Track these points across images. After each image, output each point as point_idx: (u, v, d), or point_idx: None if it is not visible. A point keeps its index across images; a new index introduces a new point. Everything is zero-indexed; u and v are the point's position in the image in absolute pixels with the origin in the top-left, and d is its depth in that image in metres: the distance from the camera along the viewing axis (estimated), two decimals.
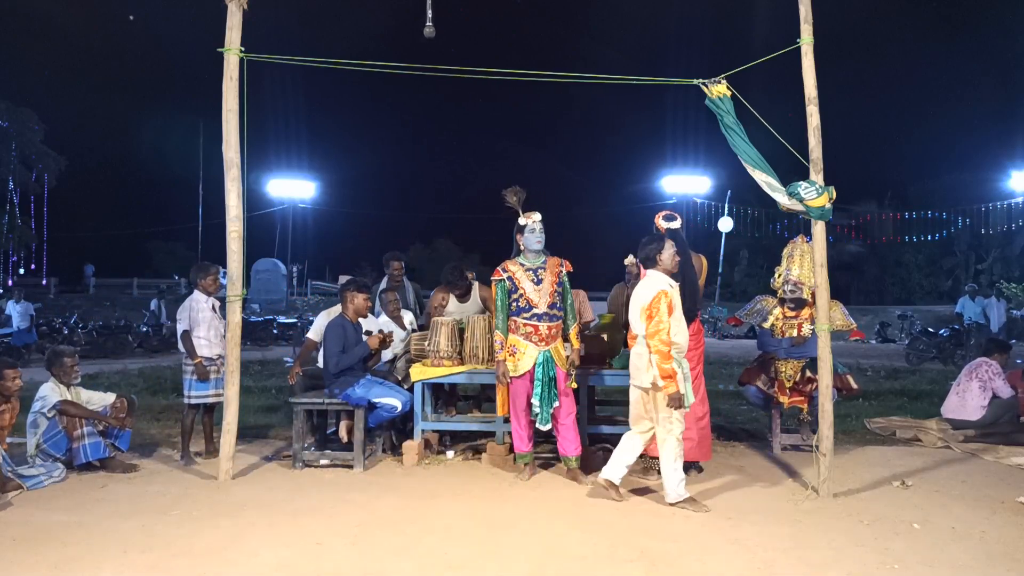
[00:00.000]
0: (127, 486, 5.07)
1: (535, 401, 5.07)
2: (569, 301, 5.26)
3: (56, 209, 32.81)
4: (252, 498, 4.75)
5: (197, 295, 5.87)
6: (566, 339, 5.25)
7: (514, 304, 5.13)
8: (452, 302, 6.46)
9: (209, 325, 5.80)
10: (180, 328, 5.80)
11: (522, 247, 5.22)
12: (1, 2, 28.65)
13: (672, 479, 4.54)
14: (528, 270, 5.15)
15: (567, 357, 5.20)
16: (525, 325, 5.10)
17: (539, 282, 5.12)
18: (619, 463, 4.72)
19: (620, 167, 55.00)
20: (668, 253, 4.68)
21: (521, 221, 5.20)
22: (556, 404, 5.10)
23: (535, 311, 5.08)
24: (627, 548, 3.86)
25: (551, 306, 5.11)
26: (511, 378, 5.13)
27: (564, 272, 5.23)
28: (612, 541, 3.97)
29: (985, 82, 37.52)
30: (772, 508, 4.56)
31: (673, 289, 4.60)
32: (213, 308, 5.86)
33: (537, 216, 5.22)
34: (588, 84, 5.77)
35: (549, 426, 5.11)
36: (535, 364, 5.08)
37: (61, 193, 32.56)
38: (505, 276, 5.15)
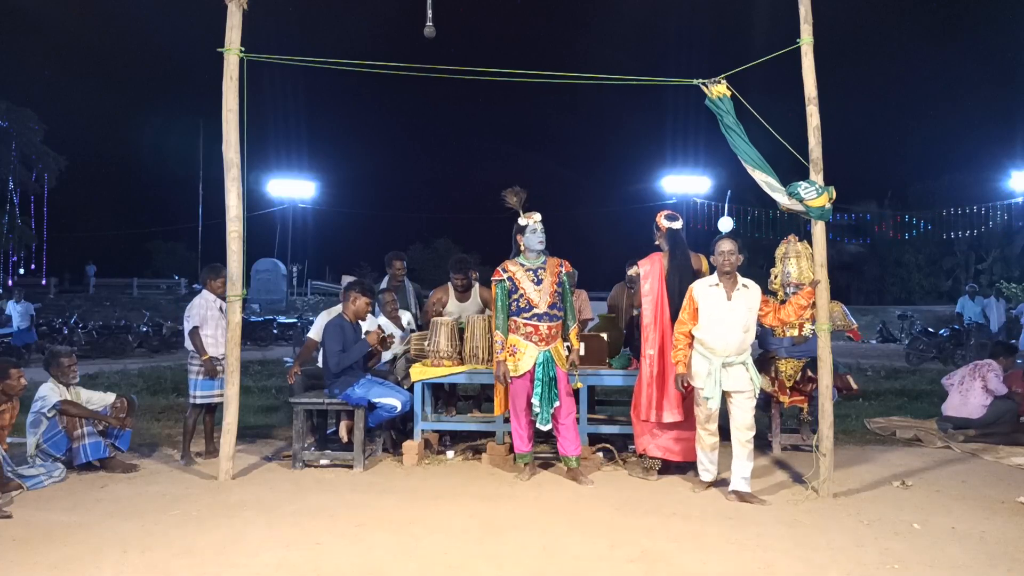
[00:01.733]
0: (127, 486, 5.07)
1: (535, 401, 5.07)
2: (569, 301, 5.26)
3: (56, 209, 32.82)
4: (252, 498, 4.75)
5: (206, 294, 5.90)
6: (566, 339, 5.26)
7: (514, 304, 5.13)
8: (452, 301, 6.46)
9: (216, 324, 5.82)
10: (189, 326, 5.82)
11: (523, 247, 5.22)
12: (1, 2, 28.64)
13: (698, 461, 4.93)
14: (528, 270, 5.15)
15: (567, 358, 5.20)
16: (525, 325, 5.10)
17: (539, 282, 5.12)
18: (735, 470, 4.79)
19: (620, 167, 55.05)
20: (716, 251, 4.80)
21: (521, 221, 5.20)
22: (556, 404, 5.10)
23: (535, 311, 5.08)
24: (627, 548, 3.86)
25: (551, 306, 5.12)
26: (511, 378, 5.14)
27: (564, 272, 5.24)
28: (612, 541, 3.97)
29: (985, 82, 37.60)
30: (772, 508, 4.56)
31: (714, 287, 4.74)
32: (220, 308, 5.88)
33: (537, 216, 5.22)
34: (588, 84, 5.77)
35: (549, 426, 5.11)
36: (535, 364, 5.08)
37: (61, 193, 32.55)
38: (505, 276, 5.15)
